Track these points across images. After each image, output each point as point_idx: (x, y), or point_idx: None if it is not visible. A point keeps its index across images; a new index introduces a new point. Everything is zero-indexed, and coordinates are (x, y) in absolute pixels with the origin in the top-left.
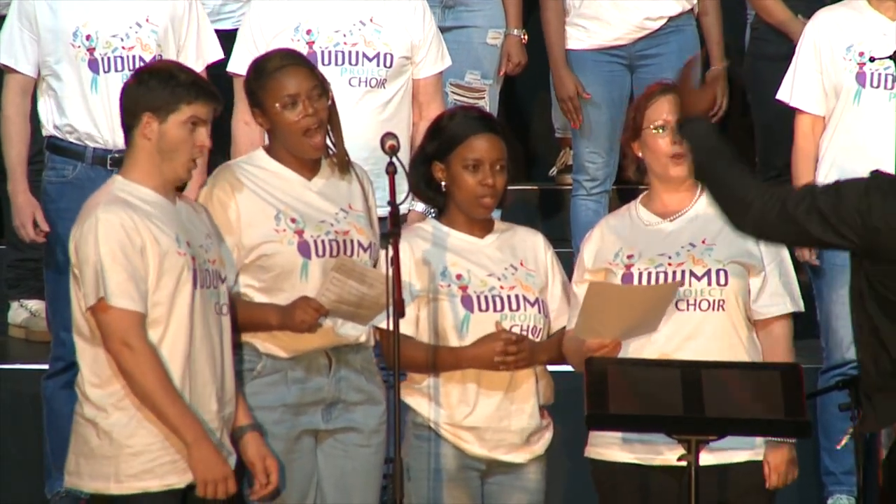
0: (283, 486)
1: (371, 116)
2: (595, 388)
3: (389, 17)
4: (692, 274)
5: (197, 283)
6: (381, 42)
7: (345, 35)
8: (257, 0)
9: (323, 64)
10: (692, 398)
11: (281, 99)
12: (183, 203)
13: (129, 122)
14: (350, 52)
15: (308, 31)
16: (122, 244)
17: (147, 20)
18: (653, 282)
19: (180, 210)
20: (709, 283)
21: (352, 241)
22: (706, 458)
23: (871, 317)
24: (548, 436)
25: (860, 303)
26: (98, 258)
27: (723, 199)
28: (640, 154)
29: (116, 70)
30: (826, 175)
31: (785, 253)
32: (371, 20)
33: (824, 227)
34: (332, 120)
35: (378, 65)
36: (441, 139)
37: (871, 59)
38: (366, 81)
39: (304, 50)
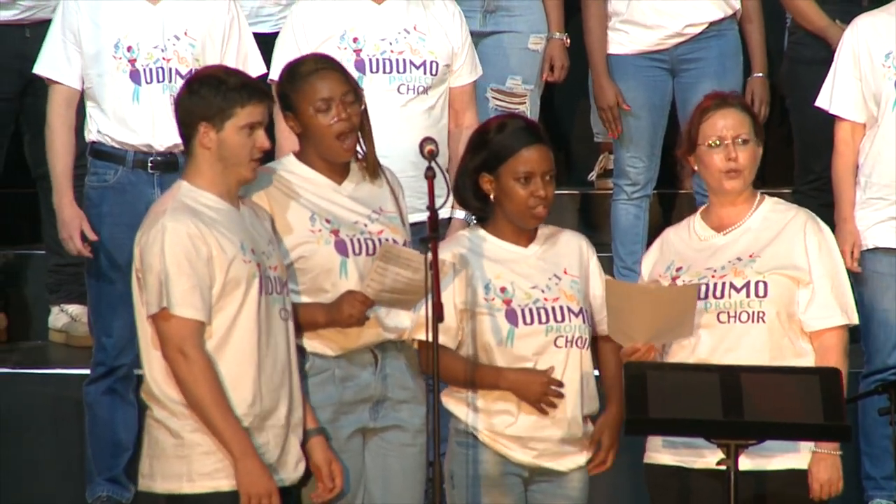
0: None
1: (418, 122)
2: (634, 393)
3: (432, 25)
4: (732, 286)
5: (262, 290)
6: (426, 50)
7: (391, 43)
8: (299, 8)
9: (371, 72)
10: (731, 402)
11: (315, 103)
12: (246, 208)
13: (187, 132)
14: (398, 61)
15: (354, 40)
16: (187, 253)
17: (185, 34)
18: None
19: (244, 215)
20: (747, 295)
21: (387, 240)
22: (745, 464)
23: None
24: (592, 446)
25: None
26: (163, 267)
27: None
28: (695, 168)
29: (158, 81)
30: (866, 181)
31: (840, 265)
32: (415, 28)
33: None
34: (363, 125)
35: (425, 72)
36: (489, 151)
37: None
38: (413, 89)
39: (351, 58)
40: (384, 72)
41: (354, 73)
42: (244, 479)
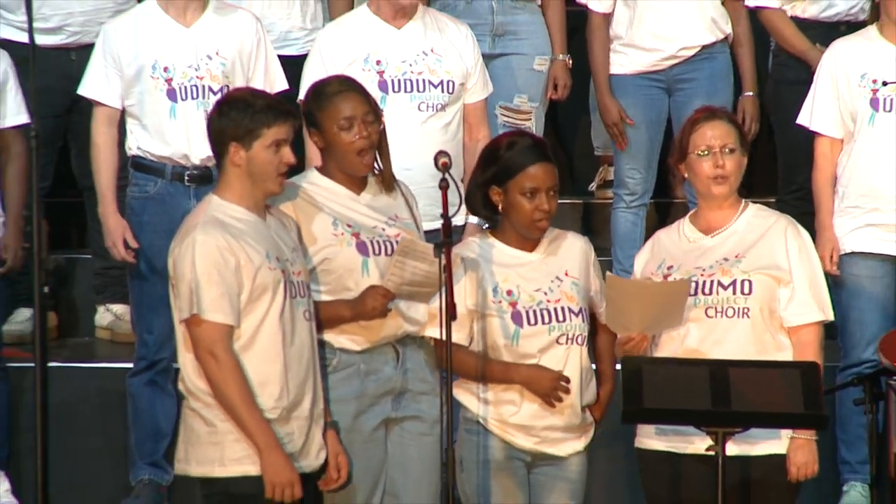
0: (358, 474)
1: (436, 136)
2: (631, 385)
3: (447, 48)
4: (719, 284)
5: (288, 295)
6: (443, 70)
7: (411, 65)
8: (325, 33)
9: (393, 91)
10: (719, 393)
11: (338, 121)
12: (273, 218)
13: (218, 151)
14: (417, 80)
15: (378, 62)
16: (216, 264)
17: (217, 53)
18: None
19: (270, 225)
20: (734, 293)
21: (401, 240)
22: (732, 449)
23: None
24: (590, 432)
25: None
26: (194, 276)
27: None
28: (686, 175)
29: (192, 98)
30: (844, 192)
31: (818, 267)
32: (432, 50)
33: None
34: (381, 142)
35: (442, 91)
36: (499, 167)
37: (883, 84)
38: (432, 106)
39: (374, 79)
40: (405, 91)
41: (378, 93)
42: (268, 469)
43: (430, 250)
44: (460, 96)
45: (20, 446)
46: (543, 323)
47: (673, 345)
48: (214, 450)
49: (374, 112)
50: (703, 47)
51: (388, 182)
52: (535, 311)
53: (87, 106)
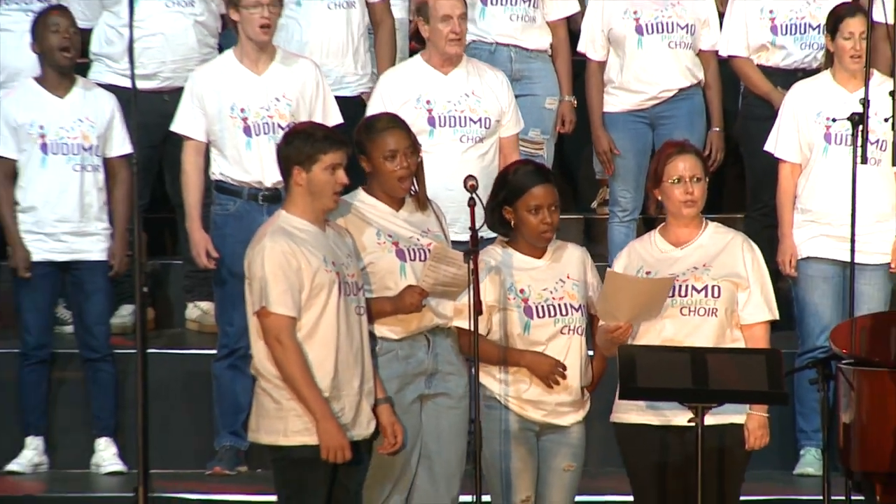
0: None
1: (474, 164)
2: (627, 369)
3: (485, 91)
4: (693, 288)
5: (342, 293)
6: (482, 109)
7: (455, 104)
8: (385, 77)
9: (440, 126)
10: (699, 375)
11: (384, 153)
12: (331, 230)
13: (285, 173)
14: (460, 117)
15: (427, 102)
16: (281, 265)
17: (283, 96)
18: None
19: (328, 235)
20: (706, 296)
21: (436, 245)
22: (709, 420)
23: None
24: (587, 406)
25: None
26: (263, 275)
27: None
28: (659, 198)
29: (264, 133)
30: (802, 208)
31: (766, 274)
32: (473, 93)
33: None
34: (418, 170)
35: (480, 126)
36: (507, 190)
37: (833, 120)
38: (471, 139)
39: (424, 115)
40: (449, 126)
41: (427, 127)
42: (323, 436)
43: (458, 256)
44: (496, 131)
45: (125, 419)
46: (550, 316)
47: (650, 336)
48: (280, 423)
49: (414, 146)
50: (681, 90)
51: (423, 202)
52: (543, 307)
53: (178, 138)
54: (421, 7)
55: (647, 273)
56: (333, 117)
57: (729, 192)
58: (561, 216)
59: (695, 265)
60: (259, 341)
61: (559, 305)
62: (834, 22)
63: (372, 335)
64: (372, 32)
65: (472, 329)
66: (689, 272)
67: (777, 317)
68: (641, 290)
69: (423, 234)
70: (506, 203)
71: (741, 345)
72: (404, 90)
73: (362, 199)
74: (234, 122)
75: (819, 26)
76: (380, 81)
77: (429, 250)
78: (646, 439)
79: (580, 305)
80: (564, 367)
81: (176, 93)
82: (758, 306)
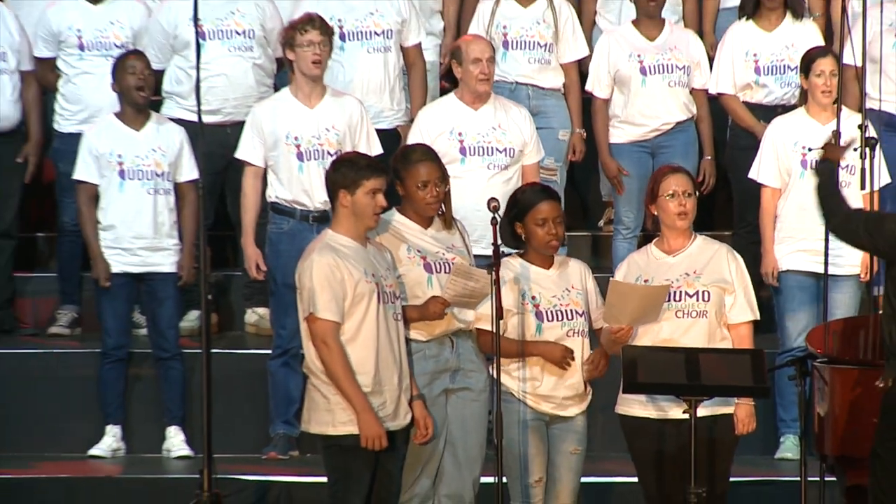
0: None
1: (500, 188)
2: (630, 365)
3: (510, 124)
4: (686, 293)
5: (380, 301)
6: (507, 141)
7: (483, 136)
8: (423, 113)
9: (470, 155)
10: (692, 372)
11: (417, 182)
12: (372, 246)
13: (331, 196)
14: (487, 148)
15: (459, 134)
16: (327, 277)
17: (332, 127)
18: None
19: (369, 252)
20: (697, 300)
21: (457, 264)
22: (701, 412)
23: (891, 303)
24: (589, 399)
25: (887, 294)
26: (311, 286)
27: (826, 208)
28: (655, 212)
29: (315, 159)
30: (780, 227)
31: (748, 280)
32: (499, 126)
33: (870, 240)
34: (446, 196)
35: (506, 156)
36: (517, 207)
37: (809, 149)
38: (497, 166)
39: (457, 146)
40: (478, 155)
41: (458, 156)
42: (363, 426)
43: (478, 273)
44: (519, 159)
45: (191, 410)
46: (558, 320)
47: (649, 336)
48: (328, 415)
49: (444, 176)
50: (677, 123)
51: (448, 222)
52: (551, 312)
53: (239, 165)
54: (455, 51)
55: (645, 280)
56: (375, 148)
57: (719, 212)
58: (571, 233)
59: (686, 272)
60: (310, 343)
61: (566, 311)
62: (807, 62)
63: (405, 338)
64: (406, 73)
65: (494, 330)
66: (681, 279)
67: (758, 317)
68: (641, 297)
69: (448, 250)
70: (516, 219)
71: (728, 342)
72: (440, 123)
73: (397, 219)
74: (288, 149)
75: (796, 67)
76: (419, 116)
77: (452, 264)
78: (647, 430)
79: (583, 311)
80: (572, 352)
81: (237, 126)
82: (742, 308)
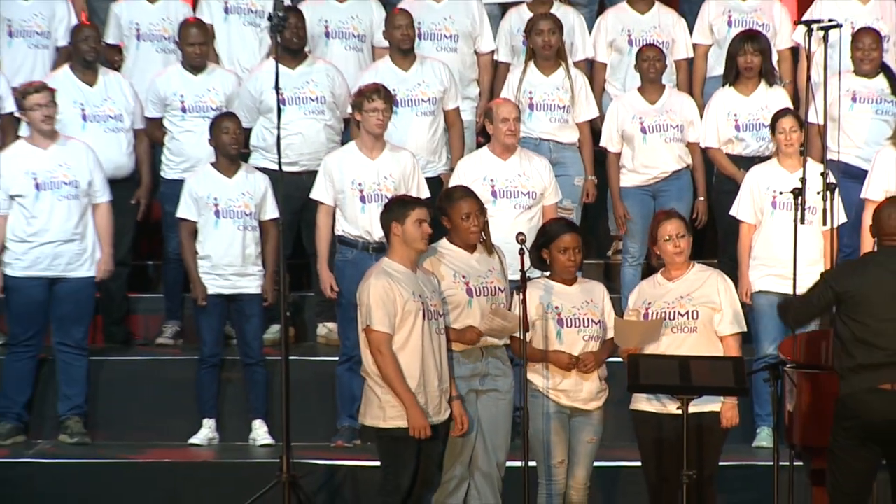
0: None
1: (524, 224)
2: (633, 370)
3: (533, 172)
4: (678, 313)
5: (426, 318)
6: (530, 185)
7: (511, 181)
8: (462, 163)
9: (500, 197)
10: (684, 375)
11: (461, 215)
12: (421, 272)
13: (386, 230)
14: (514, 191)
15: (491, 180)
16: (382, 296)
17: (390, 175)
18: (656, 317)
19: (418, 277)
20: (688, 318)
21: (495, 287)
22: (692, 409)
23: (839, 336)
24: (605, 395)
25: (835, 329)
26: (369, 303)
27: (789, 315)
28: (657, 252)
29: (375, 202)
30: (755, 255)
31: (736, 299)
32: (524, 173)
33: (819, 307)
34: (485, 226)
35: (529, 198)
36: (545, 236)
37: (780, 193)
38: (522, 206)
39: (489, 189)
40: (507, 198)
41: (490, 198)
42: (410, 419)
43: (508, 315)
44: (540, 201)
45: (272, 406)
46: (576, 326)
47: (651, 348)
48: (380, 411)
49: (482, 208)
50: (674, 171)
51: (489, 248)
52: (571, 319)
53: (314, 205)
54: (488, 112)
55: (649, 304)
56: (424, 192)
57: (707, 244)
58: (586, 261)
59: (681, 295)
60: (366, 351)
61: (584, 319)
62: (773, 122)
63: (450, 349)
64: (447, 131)
65: (521, 340)
66: (675, 301)
67: (745, 329)
68: (640, 329)
69: (489, 272)
70: (543, 246)
71: (720, 351)
72: (475, 171)
73: (445, 247)
74: (353, 193)
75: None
76: (458, 165)
77: (492, 287)
78: (649, 421)
79: (599, 321)
80: (577, 359)
81: (311, 174)
82: (729, 323)
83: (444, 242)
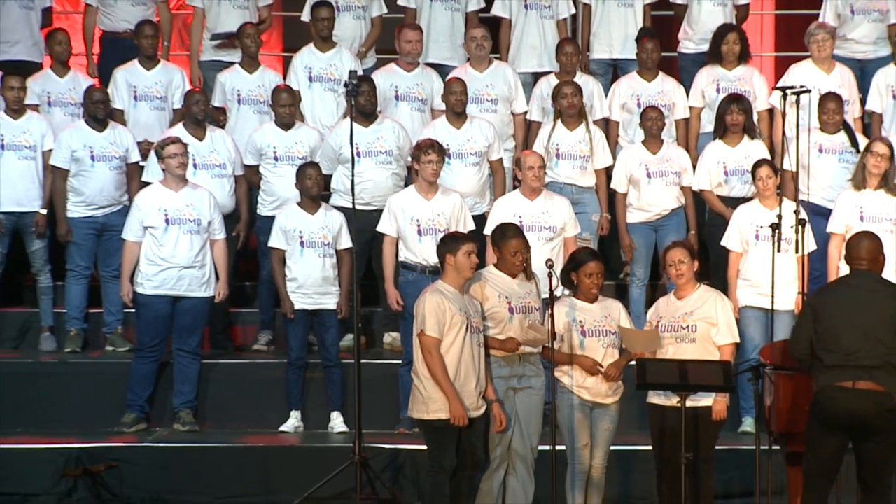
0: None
1: (549, 253)
2: (641, 371)
3: (555, 209)
4: (681, 326)
5: (468, 331)
6: (552, 221)
7: (536, 218)
8: (497, 203)
9: (528, 231)
10: (683, 375)
11: (511, 251)
12: (467, 295)
13: (441, 258)
14: (539, 226)
15: (520, 217)
16: (434, 308)
17: (441, 213)
18: (665, 330)
19: (464, 298)
20: (687, 331)
21: (531, 306)
22: (690, 403)
23: (815, 342)
24: (620, 391)
25: (813, 338)
26: (423, 314)
27: (791, 347)
28: (667, 275)
29: (429, 235)
30: (742, 277)
31: (731, 314)
32: (547, 211)
33: (805, 340)
34: (527, 259)
35: (551, 231)
36: (574, 262)
37: (761, 227)
38: (545, 238)
39: (520, 224)
40: (532, 231)
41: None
42: (452, 410)
43: (542, 329)
44: (561, 234)
45: (347, 400)
46: (596, 337)
47: (660, 354)
48: (424, 405)
49: (527, 245)
50: (671, 210)
51: (529, 275)
52: (592, 330)
53: (381, 236)
54: (518, 161)
55: (660, 318)
56: (469, 226)
57: (702, 269)
58: (605, 282)
59: (685, 312)
60: (419, 352)
61: (603, 330)
62: (753, 170)
63: (489, 356)
64: (491, 176)
65: (550, 347)
66: (680, 317)
67: (738, 340)
68: (642, 336)
69: (527, 294)
70: (572, 270)
71: (715, 357)
72: (507, 209)
73: (491, 271)
74: (412, 227)
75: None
76: (494, 205)
77: (529, 306)
78: (657, 412)
79: (615, 332)
80: (601, 364)
81: (379, 212)
82: (724, 334)
83: (491, 268)
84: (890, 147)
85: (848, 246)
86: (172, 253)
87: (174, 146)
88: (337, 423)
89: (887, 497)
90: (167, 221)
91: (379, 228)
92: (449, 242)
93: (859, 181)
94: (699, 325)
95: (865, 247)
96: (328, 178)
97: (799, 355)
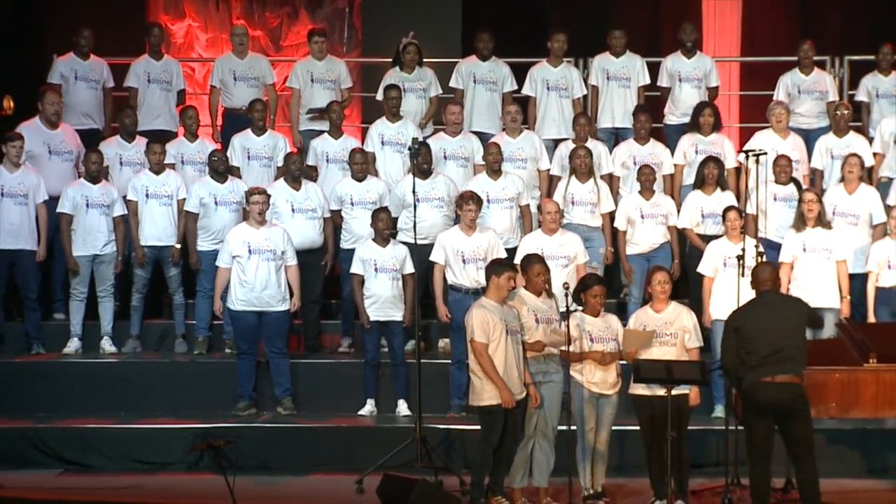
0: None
1: (564, 277)
2: (636, 368)
3: (568, 243)
4: (664, 333)
5: (508, 334)
6: (566, 252)
7: (554, 250)
8: (524, 240)
9: (548, 260)
10: (669, 371)
11: (535, 273)
12: (507, 307)
13: (487, 278)
14: (556, 256)
15: (541, 249)
16: (481, 320)
17: (480, 246)
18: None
19: (504, 309)
20: (669, 338)
21: (552, 318)
22: (674, 392)
23: (741, 350)
24: (619, 384)
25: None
26: (472, 324)
27: (724, 366)
28: (651, 292)
29: (471, 263)
30: (714, 296)
31: (697, 325)
32: (562, 245)
33: (734, 348)
34: (548, 280)
35: (566, 260)
36: (583, 285)
37: (729, 258)
38: (563, 266)
39: (541, 254)
40: (552, 259)
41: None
42: (502, 396)
43: (562, 333)
44: (574, 262)
45: (410, 391)
46: (601, 343)
47: (646, 355)
48: (477, 395)
49: (548, 269)
50: (660, 244)
51: (549, 293)
52: (597, 338)
53: (433, 265)
54: (540, 206)
55: (644, 326)
56: (502, 256)
57: (681, 289)
58: (607, 300)
59: (665, 322)
60: (472, 355)
61: (605, 338)
62: (723, 214)
63: (525, 352)
64: (521, 218)
65: (567, 350)
66: (661, 326)
67: (702, 343)
68: (640, 336)
69: (549, 309)
70: (582, 291)
71: (688, 357)
72: (532, 243)
73: (523, 292)
74: (457, 257)
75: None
76: (522, 240)
77: (550, 318)
78: (644, 402)
79: (615, 338)
80: (608, 358)
81: (429, 246)
82: (693, 340)
83: (522, 290)
84: (817, 195)
85: (754, 273)
86: (254, 277)
87: (258, 195)
88: (402, 408)
89: (814, 465)
90: (249, 252)
91: (432, 257)
92: (496, 267)
93: (798, 224)
94: (679, 333)
95: (768, 272)
96: (396, 219)
97: (729, 363)
